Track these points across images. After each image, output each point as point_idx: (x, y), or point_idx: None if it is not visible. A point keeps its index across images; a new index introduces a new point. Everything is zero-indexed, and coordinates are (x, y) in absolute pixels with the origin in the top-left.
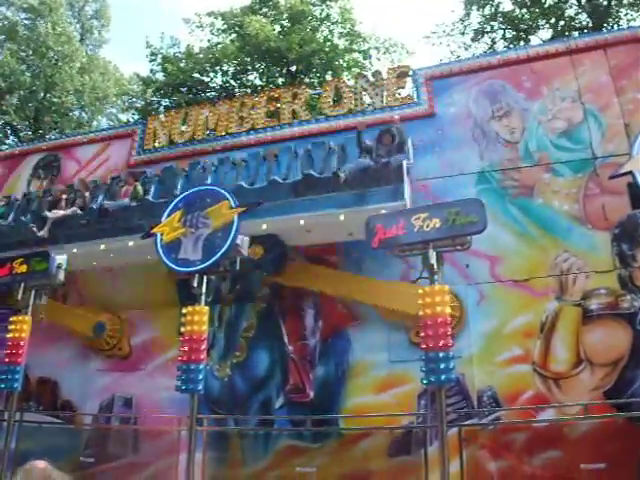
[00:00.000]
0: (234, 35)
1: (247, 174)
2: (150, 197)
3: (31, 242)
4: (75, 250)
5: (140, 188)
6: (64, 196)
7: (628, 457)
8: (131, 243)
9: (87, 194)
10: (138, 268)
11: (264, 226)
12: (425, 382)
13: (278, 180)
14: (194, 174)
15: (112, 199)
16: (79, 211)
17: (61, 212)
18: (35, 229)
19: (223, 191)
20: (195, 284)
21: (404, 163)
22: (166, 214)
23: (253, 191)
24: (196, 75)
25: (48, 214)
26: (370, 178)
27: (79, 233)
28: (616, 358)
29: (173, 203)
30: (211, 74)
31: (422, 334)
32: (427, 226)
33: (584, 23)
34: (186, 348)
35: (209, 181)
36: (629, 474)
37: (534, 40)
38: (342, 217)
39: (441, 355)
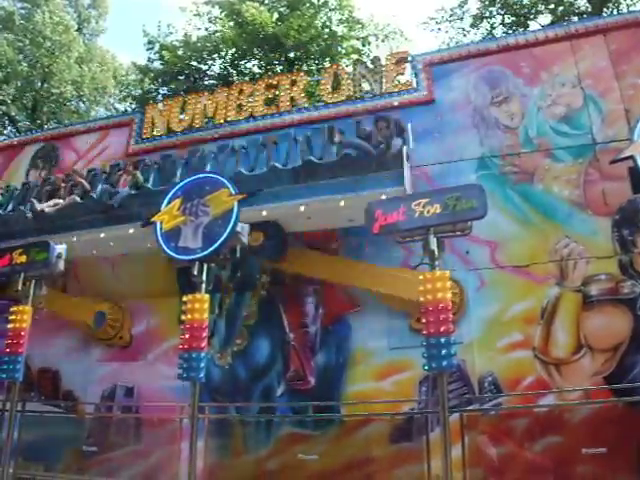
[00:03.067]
0: (232, 23)
1: (246, 161)
2: (149, 185)
3: (31, 231)
4: (74, 239)
5: (140, 176)
6: (63, 184)
7: (628, 442)
8: (131, 230)
9: (85, 183)
10: (138, 257)
11: (264, 213)
12: (427, 368)
13: (278, 166)
14: (193, 161)
15: (112, 188)
16: (78, 199)
17: (59, 201)
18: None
19: (222, 178)
20: (195, 272)
21: (404, 149)
22: (165, 202)
23: (253, 178)
24: (194, 63)
25: (38, 206)
26: (369, 164)
27: (79, 222)
28: (616, 343)
29: (172, 191)
30: (209, 62)
31: (423, 320)
32: (428, 212)
33: (583, 8)
34: (187, 336)
35: (208, 168)
36: (629, 458)
37: (533, 25)
38: (342, 203)
39: (442, 341)
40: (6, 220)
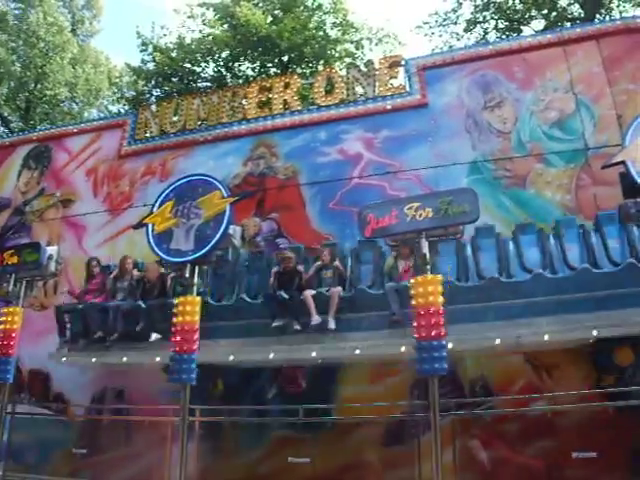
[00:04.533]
0: (225, 25)
1: None
2: None
3: None
4: None
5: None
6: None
7: (619, 446)
8: None
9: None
10: None
11: None
12: (418, 372)
13: None
14: None
15: None
16: None
17: None
18: None
19: (214, 180)
20: (187, 274)
21: None
22: (157, 205)
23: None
24: (187, 65)
25: None
26: None
27: None
28: None
29: (164, 193)
30: (203, 64)
31: (415, 324)
32: (420, 216)
33: (576, 14)
34: (178, 339)
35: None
36: (620, 463)
37: (526, 30)
38: None
39: (434, 344)
40: None
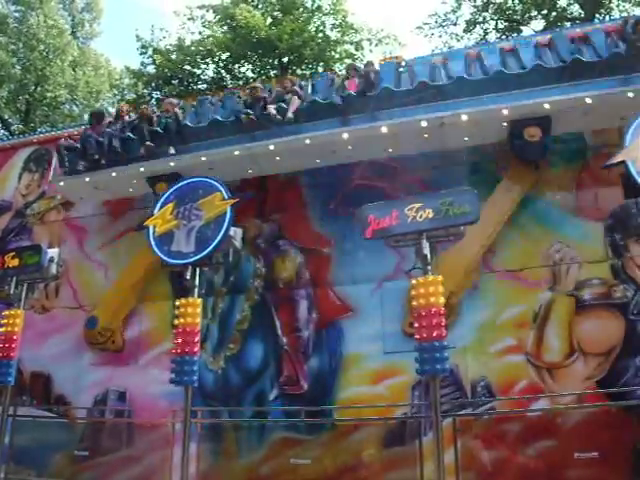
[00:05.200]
0: (225, 27)
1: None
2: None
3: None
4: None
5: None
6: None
7: (621, 446)
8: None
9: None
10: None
11: (547, 106)
12: (419, 372)
13: (544, 65)
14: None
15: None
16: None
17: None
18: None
19: (215, 182)
20: (188, 276)
21: None
22: (158, 206)
23: (512, 76)
24: (187, 67)
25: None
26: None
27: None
28: (609, 348)
29: (165, 195)
30: (202, 66)
31: (416, 325)
32: (420, 217)
33: (576, 14)
34: (180, 341)
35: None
36: (622, 463)
37: (526, 31)
38: (631, 94)
39: (435, 345)
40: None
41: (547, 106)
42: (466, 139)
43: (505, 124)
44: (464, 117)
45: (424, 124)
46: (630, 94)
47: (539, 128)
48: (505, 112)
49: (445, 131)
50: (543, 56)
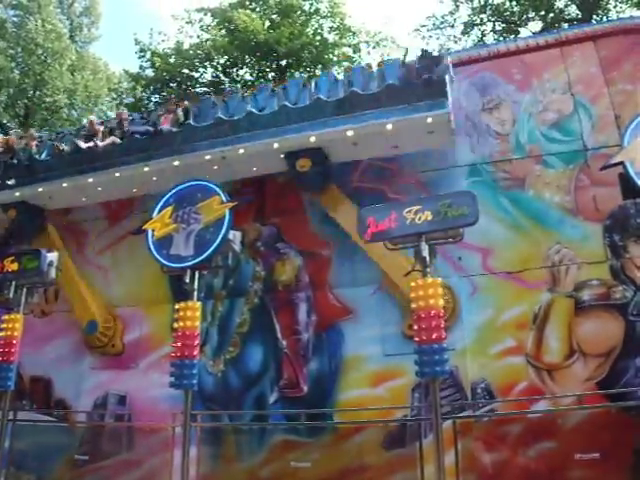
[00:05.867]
0: (223, 30)
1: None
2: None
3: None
4: (117, 174)
5: (181, 113)
6: (101, 129)
7: (621, 447)
8: (176, 163)
9: (125, 124)
10: (131, 265)
11: (312, 139)
12: (419, 375)
13: (322, 98)
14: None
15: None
16: (118, 140)
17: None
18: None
19: (214, 186)
20: (187, 280)
21: (446, 77)
22: (157, 210)
23: (296, 110)
24: (186, 71)
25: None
26: (413, 92)
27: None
28: (609, 349)
29: (164, 199)
30: (201, 69)
31: (415, 327)
32: (419, 219)
33: (573, 15)
34: (179, 344)
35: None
36: (623, 463)
37: (524, 32)
38: (389, 126)
39: (435, 347)
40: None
41: (313, 139)
42: (255, 169)
43: (282, 156)
44: (241, 151)
45: (208, 157)
46: (389, 126)
47: (309, 159)
48: (276, 145)
49: (229, 163)
50: (340, 88)
